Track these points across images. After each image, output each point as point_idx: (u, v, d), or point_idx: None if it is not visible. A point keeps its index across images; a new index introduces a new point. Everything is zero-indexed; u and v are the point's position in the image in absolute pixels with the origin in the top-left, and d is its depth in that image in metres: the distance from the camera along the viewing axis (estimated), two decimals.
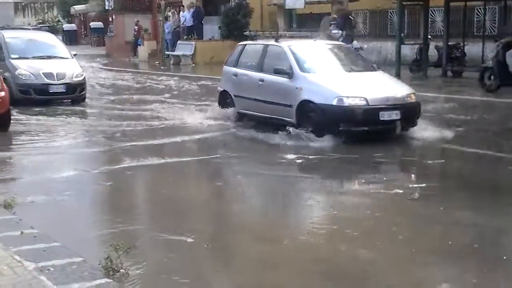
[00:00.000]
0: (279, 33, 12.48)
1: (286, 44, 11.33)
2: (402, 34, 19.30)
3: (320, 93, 9.95)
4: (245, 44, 12.75)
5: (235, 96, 11.77)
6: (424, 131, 10.21)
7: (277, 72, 10.76)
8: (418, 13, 21.66)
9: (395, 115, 9.63)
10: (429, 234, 5.90)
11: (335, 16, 19.77)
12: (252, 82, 11.34)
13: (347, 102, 9.60)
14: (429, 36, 19.71)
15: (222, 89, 12.29)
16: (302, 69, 10.53)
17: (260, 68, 11.34)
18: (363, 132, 9.68)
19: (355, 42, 18.93)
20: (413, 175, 8.60)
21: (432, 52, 19.50)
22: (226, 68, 12.46)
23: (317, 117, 9.82)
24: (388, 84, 10.69)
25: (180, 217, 6.50)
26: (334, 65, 11.26)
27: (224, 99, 12.13)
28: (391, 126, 9.72)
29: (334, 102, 9.64)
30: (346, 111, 9.60)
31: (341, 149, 9.34)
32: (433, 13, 21.67)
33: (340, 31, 18.68)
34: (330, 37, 16.56)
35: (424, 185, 7.68)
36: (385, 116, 9.60)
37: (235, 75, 11.90)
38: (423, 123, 10.50)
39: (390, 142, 9.82)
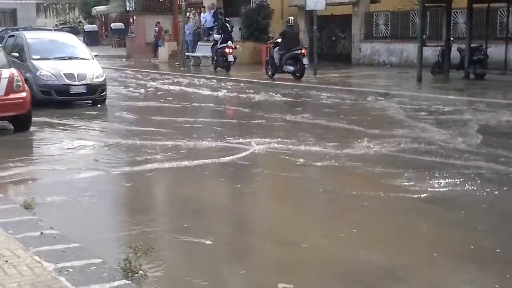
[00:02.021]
0: None
1: None
2: (424, 36, 19.14)
3: None
4: None
5: None
6: None
7: None
8: (440, 15, 21.49)
9: None
10: None
11: (218, 22, 25.67)
12: None
13: None
14: (452, 38, 19.54)
15: None
16: None
17: None
18: None
19: (229, 42, 24.07)
20: None
21: (454, 54, 19.34)
22: None
23: None
24: None
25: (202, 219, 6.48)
26: None
27: None
28: None
29: None
30: None
31: None
32: (455, 15, 21.50)
33: (219, 35, 24.38)
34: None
35: None
36: None
37: None
38: None
39: None
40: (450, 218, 6.38)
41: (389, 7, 24.83)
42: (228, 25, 24.55)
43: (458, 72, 18.96)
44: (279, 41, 20.25)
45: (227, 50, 23.78)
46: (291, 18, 21.79)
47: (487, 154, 9.07)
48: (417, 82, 18.13)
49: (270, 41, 21.27)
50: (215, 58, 24.70)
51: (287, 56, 19.98)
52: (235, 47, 24.38)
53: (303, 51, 19.97)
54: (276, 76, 20.40)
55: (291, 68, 19.99)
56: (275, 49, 20.34)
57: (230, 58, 23.78)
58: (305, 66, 19.87)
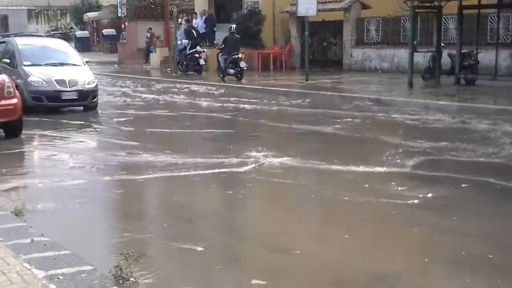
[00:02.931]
0: None
1: None
2: (415, 42, 19.19)
3: None
4: None
5: None
6: None
7: None
8: (431, 21, 21.57)
9: None
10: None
11: (184, 29, 26.93)
12: None
13: None
14: (442, 44, 19.60)
15: None
16: None
17: None
18: None
19: (198, 47, 25.87)
20: None
21: (445, 60, 19.40)
22: None
23: None
24: None
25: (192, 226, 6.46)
26: None
27: None
28: None
29: None
30: None
31: None
32: (446, 21, 21.58)
33: (187, 40, 25.85)
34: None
35: None
36: None
37: None
38: None
39: None
40: (442, 224, 6.38)
41: (380, 13, 24.90)
42: (194, 31, 26.39)
43: (449, 77, 19.02)
44: (222, 47, 22.79)
45: (197, 55, 25.68)
46: (233, 25, 23.73)
47: (479, 163, 9.11)
48: (408, 87, 18.18)
49: (216, 47, 24.09)
50: (184, 62, 26.33)
51: (229, 60, 22.41)
52: (203, 51, 26.10)
53: (240, 55, 22.32)
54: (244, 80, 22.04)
55: (232, 71, 22.38)
56: (219, 54, 22.92)
57: (202, 61, 25.54)
58: (244, 68, 22.11)
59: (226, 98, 17.85)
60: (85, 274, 4.39)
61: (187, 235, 6.04)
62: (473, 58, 18.78)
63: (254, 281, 4.89)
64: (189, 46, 25.84)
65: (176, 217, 6.74)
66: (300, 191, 7.91)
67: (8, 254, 4.78)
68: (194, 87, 21.41)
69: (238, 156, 9.47)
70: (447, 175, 8.30)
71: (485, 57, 19.24)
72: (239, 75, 22.17)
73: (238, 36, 23.48)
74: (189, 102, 17.52)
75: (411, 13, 18.81)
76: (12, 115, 11.15)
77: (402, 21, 23.87)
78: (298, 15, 21.82)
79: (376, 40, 25.14)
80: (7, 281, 4.26)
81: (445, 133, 11.48)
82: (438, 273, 5.10)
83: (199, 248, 5.59)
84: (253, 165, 8.88)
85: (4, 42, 16.95)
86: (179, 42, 26.85)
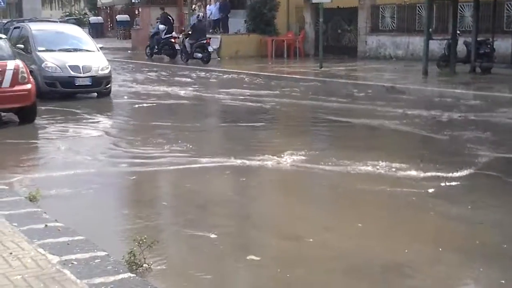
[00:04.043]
0: None
1: None
2: (430, 29, 19.01)
3: None
4: None
5: None
6: None
7: None
8: (446, 8, 21.39)
9: None
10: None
11: (159, 16, 28.44)
12: None
13: None
14: (458, 32, 19.42)
15: None
16: None
17: None
18: None
19: (174, 33, 27.63)
20: None
21: (461, 47, 19.23)
22: None
23: None
24: None
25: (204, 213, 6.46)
26: None
27: None
28: None
29: None
30: None
31: None
32: (462, 8, 21.38)
33: (164, 26, 27.10)
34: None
35: None
36: None
37: None
38: None
39: None
40: (456, 213, 6.34)
41: (395, 0, 24.72)
42: (170, 17, 27.98)
43: (465, 65, 18.85)
44: (190, 33, 24.56)
45: (172, 40, 27.20)
46: (201, 13, 26.39)
47: (498, 158, 9.04)
48: (423, 75, 18.05)
49: (184, 33, 25.74)
50: (156, 47, 27.58)
51: (196, 45, 24.28)
52: (178, 37, 27.34)
53: (207, 41, 24.38)
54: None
55: (199, 55, 24.27)
56: (186, 39, 24.70)
57: (177, 46, 26.76)
58: (210, 52, 24.27)
59: (245, 90, 17.85)
60: (98, 260, 4.41)
61: (200, 222, 6.04)
62: (489, 46, 18.58)
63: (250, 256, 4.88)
64: (165, 31, 27.11)
65: (189, 204, 6.74)
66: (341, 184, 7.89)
67: (22, 239, 4.81)
68: (207, 75, 21.40)
69: (254, 146, 9.45)
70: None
71: (501, 45, 19.07)
72: (205, 59, 24.04)
73: (205, 23, 25.47)
74: (209, 90, 17.51)
75: (427, 0, 18.64)
76: (26, 101, 11.20)
77: (417, 8, 23.68)
78: (313, 1, 21.71)
79: (391, 28, 24.97)
80: (21, 266, 4.29)
81: (449, 120, 11.40)
82: (452, 262, 5.08)
83: (212, 235, 5.59)
84: (272, 159, 8.87)
85: (18, 27, 16.99)
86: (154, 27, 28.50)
